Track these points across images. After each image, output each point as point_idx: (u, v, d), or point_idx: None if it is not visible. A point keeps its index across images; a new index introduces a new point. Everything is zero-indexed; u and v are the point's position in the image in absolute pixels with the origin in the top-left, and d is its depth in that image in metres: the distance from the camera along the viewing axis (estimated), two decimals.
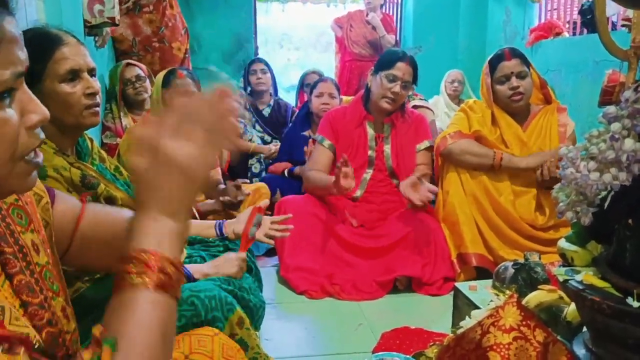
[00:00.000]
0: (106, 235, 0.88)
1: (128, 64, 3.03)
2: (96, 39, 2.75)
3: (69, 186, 1.27)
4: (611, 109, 0.97)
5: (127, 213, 0.91)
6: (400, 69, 2.47)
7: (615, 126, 0.95)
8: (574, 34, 4.38)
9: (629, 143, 0.93)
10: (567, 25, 4.49)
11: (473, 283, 1.69)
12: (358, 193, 2.56)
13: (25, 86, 0.62)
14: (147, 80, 3.02)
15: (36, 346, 0.58)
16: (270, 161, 3.47)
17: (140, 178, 0.65)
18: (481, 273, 2.24)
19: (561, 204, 1.06)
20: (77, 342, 0.76)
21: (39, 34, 1.24)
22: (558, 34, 4.33)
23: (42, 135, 0.64)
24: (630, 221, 1.00)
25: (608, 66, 2.56)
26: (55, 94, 1.24)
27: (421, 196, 2.27)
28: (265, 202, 1.74)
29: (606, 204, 0.98)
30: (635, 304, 0.91)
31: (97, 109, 1.31)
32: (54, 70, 1.23)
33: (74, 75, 1.25)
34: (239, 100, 0.68)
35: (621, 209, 0.99)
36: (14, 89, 0.59)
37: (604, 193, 1.00)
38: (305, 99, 3.56)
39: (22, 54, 0.60)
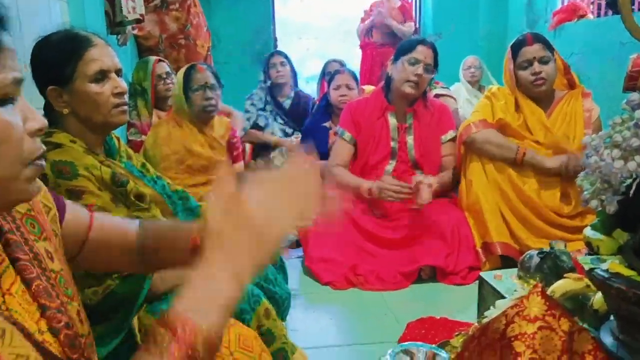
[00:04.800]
0: (113, 245, 0.91)
1: (159, 60, 3.07)
2: (118, 37, 2.80)
3: (100, 184, 1.30)
4: (635, 96, 0.96)
5: (132, 224, 0.94)
6: (422, 52, 2.47)
7: (639, 113, 0.94)
8: (599, 15, 4.28)
9: None
10: (591, 7, 4.39)
11: (498, 272, 1.69)
12: None
13: (23, 96, 0.64)
14: (174, 76, 3.07)
15: None
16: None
17: (213, 233, 0.66)
18: (506, 262, 2.23)
19: (586, 192, 1.06)
20: (92, 346, 0.77)
21: (68, 36, 1.28)
22: (582, 16, 4.24)
23: (43, 148, 0.65)
24: None
25: (635, 49, 2.50)
26: (85, 93, 1.28)
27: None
28: None
29: (631, 192, 0.98)
30: None
31: (125, 107, 1.35)
32: (84, 71, 1.26)
33: (102, 75, 1.29)
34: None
35: None
36: (16, 96, 0.61)
37: (629, 181, 1.00)
38: (327, 89, 3.57)
39: (19, 65, 0.62)
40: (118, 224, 0.95)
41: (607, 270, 1.01)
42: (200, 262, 0.65)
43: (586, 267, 1.05)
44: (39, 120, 0.64)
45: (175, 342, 0.59)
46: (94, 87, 1.28)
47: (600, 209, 1.05)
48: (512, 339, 0.89)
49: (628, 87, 2.13)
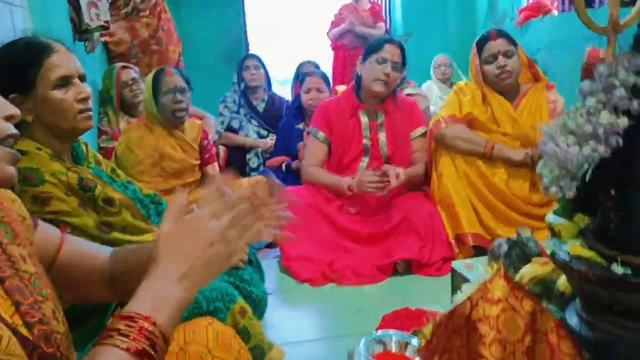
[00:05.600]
0: (82, 268, 0.91)
1: (124, 67, 3.06)
2: (86, 44, 2.77)
3: (67, 190, 1.30)
4: (586, 84, 1.00)
5: (102, 251, 0.95)
6: (389, 51, 2.51)
7: (591, 100, 0.98)
8: (563, 10, 4.39)
9: (604, 116, 0.95)
10: (555, 3, 4.50)
11: (469, 261, 1.73)
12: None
13: None
14: (141, 82, 3.05)
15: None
16: (268, 155, 3.50)
17: (165, 237, 0.69)
18: (479, 252, 2.27)
19: (545, 179, 1.09)
20: (70, 345, 0.78)
21: (29, 43, 1.27)
22: (547, 12, 4.35)
23: (15, 130, 0.68)
24: (612, 192, 1.02)
25: (596, 42, 2.57)
26: (48, 100, 1.27)
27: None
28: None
29: (587, 177, 1.01)
30: (620, 271, 0.93)
31: (90, 113, 1.35)
32: (46, 78, 1.26)
33: (65, 81, 1.28)
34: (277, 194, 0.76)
35: (602, 180, 1.01)
36: None
37: (586, 166, 1.03)
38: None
39: None
40: (89, 248, 0.95)
41: (568, 253, 1.04)
42: (151, 264, 0.68)
43: (549, 251, 1.09)
44: (12, 108, 0.67)
45: (134, 335, 0.62)
46: (57, 94, 1.28)
47: (560, 194, 1.08)
48: (477, 321, 0.92)
49: (585, 77, 2.19)
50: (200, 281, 0.69)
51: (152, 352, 0.62)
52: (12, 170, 0.67)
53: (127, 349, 0.61)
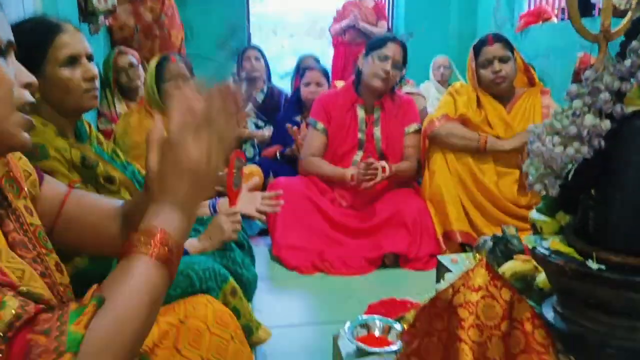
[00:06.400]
0: (89, 220, 0.93)
1: (120, 52, 3.08)
2: (90, 26, 2.80)
3: (69, 166, 1.33)
4: (573, 87, 1.04)
5: (112, 202, 0.97)
6: (391, 49, 2.55)
7: (577, 103, 1.02)
8: (563, 19, 4.45)
9: (589, 119, 1.00)
10: (555, 11, 4.56)
11: (455, 256, 1.78)
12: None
13: (14, 58, 0.71)
14: (140, 68, 3.07)
15: (24, 290, 0.62)
16: (264, 146, 3.53)
17: (154, 173, 0.72)
18: (466, 250, 2.33)
19: (531, 177, 1.14)
20: (71, 296, 0.82)
21: (38, 22, 1.31)
22: (547, 19, 4.40)
23: (32, 98, 0.71)
24: (592, 191, 1.07)
25: (593, 50, 2.63)
26: (56, 78, 1.30)
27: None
28: (255, 179, 1.80)
29: (570, 176, 1.06)
30: (595, 266, 0.98)
31: (96, 92, 1.38)
32: (54, 56, 1.29)
33: (73, 60, 1.31)
34: (241, 96, 0.75)
35: (584, 180, 1.06)
36: (8, 52, 0.69)
37: (570, 166, 1.08)
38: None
39: (8, 30, 0.70)
40: (96, 199, 0.98)
41: (548, 248, 1.09)
42: (149, 198, 0.72)
43: (530, 246, 1.13)
44: (30, 76, 0.71)
45: (152, 242, 0.65)
46: (65, 72, 1.31)
47: (544, 192, 1.13)
48: (457, 306, 0.96)
49: (575, 81, 2.25)
50: (196, 202, 0.73)
51: (171, 257, 0.66)
52: (27, 136, 0.71)
53: (151, 255, 0.64)
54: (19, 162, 0.85)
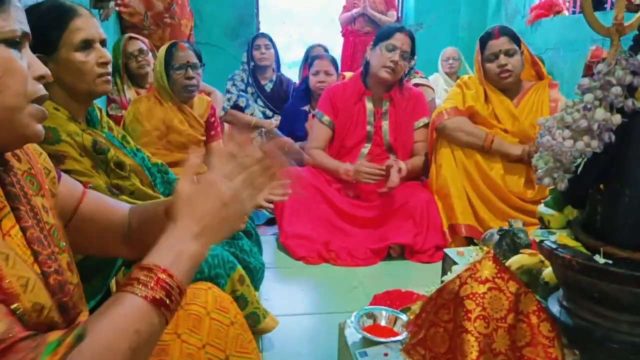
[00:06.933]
0: (101, 223, 0.95)
1: (130, 38, 3.08)
2: (101, 11, 2.80)
3: (81, 151, 1.35)
4: (585, 81, 1.04)
5: (123, 206, 0.99)
6: (399, 39, 2.54)
7: (588, 97, 1.02)
8: (574, 12, 4.41)
9: (600, 113, 1.00)
10: (567, 4, 4.51)
11: (461, 249, 1.78)
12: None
13: (29, 48, 0.71)
14: (150, 54, 3.08)
15: (18, 311, 0.62)
16: (271, 135, 3.53)
17: (184, 195, 0.73)
18: (471, 244, 2.33)
19: (540, 170, 1.14)
20: (81, 296, 0.83)
21: (53, 6, 1.31)
22: (558, 12, 4.36)
23: (45, 92, 0.72)
24: (601, 186, 1.07)
25: (605, 44, 2.61)
26: (70, 62, 1.31)
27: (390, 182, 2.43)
28: None
29: (579, 170, 1.06)
30: (601, 261, 0.99)
31: (109, 77, 1.39)
32: (69, 40, 1.30)
33: (87, 45, 1.32)
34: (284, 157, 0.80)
35: (593, 174, 1.06)
36: (23, 44, 0.69)
37: (579, 160, 1.08)
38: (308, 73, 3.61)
39: (24, 20, 0.70)
40: (109, 203, 1.00)
41: (555, 242, 1.09)
42: (169, 222, 0.72)
43: (537, 239, 1.14)
44: (43, 69, 0.71)
45: (152, 284, 0.66)
46: (79, 56, 1.32)
47: (552, 186, 1.13)
48: (464, 298, 0.97)
49: (586, 75, 2.23)
50: (215, 238, 0.74)
51: (168, 302, 0.66)
52: (40, 127, 0.72)
53: (145, 297, 0.64)
54: (39, 159, 0.86)
